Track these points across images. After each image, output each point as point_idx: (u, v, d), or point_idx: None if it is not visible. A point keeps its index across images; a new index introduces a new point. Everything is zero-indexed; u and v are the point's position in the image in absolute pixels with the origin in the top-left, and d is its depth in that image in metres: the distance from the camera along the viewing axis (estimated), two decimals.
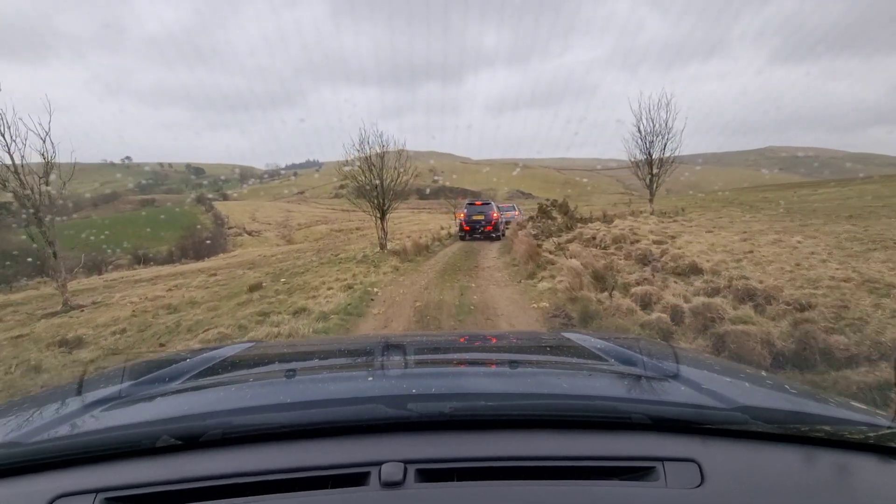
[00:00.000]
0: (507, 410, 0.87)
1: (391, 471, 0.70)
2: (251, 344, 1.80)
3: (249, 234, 64.53)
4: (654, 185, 20.68)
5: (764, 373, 1.54)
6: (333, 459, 0.75)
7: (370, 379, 1.09)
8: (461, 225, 17.48)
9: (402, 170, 16.00)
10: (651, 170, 20.87)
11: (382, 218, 15.76)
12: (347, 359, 1.53)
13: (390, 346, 1.57)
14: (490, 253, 13.87)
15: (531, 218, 20.01)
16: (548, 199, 22.46)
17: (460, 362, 1.39)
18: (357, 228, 59.89)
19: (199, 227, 70.32)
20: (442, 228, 26.15)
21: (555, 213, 20.07)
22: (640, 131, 20.95)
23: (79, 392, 1.04)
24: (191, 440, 0.79)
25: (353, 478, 0.71)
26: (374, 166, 15.72)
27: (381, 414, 0.83)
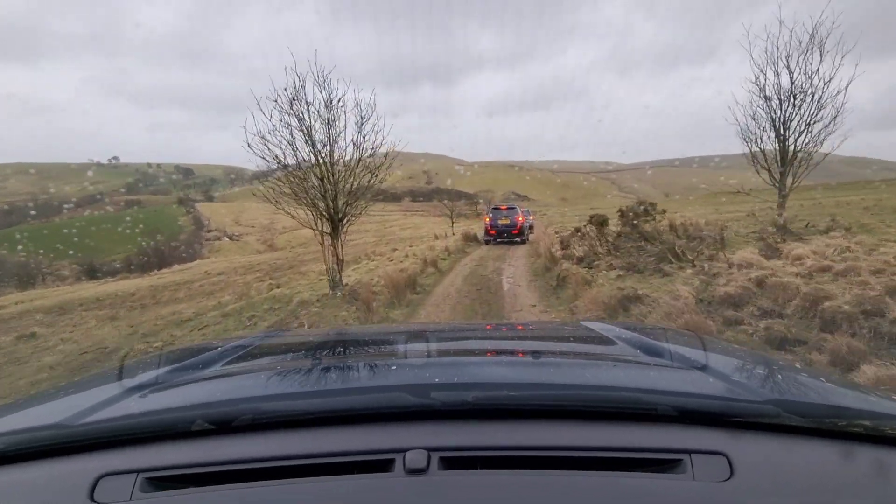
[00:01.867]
0: (530, 400, 0.86)
1: (415, 458, 0.70)
2: (280, 333, 2.06)
3: (230, 238, 60.41)
4: (791, 181, 10.89)
5: (798, 364, 1.51)
6: (359, 446, 0.76)
7: (394, 368, 1.11)
8: (486, 229, 17.38)
9: (372, 151, 8.99)
10: (786, 156, 10.77)
11: (335, 234, 8.69)
12: (372, 348, 1.53)
13: (414, 336, 1.63)
14: (527, 294, 7.69)
15: (578, 232, 12.14)
16: (630, 207, 11.59)
17: (483, 352, 1.39)
18: (344, 233, 56.11)
19: (177, 230, 66.17)
20: (437, 238, 22.31)
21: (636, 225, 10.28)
22: (763, 93, 10.97)
23: (119, 378, 1.07)
24: (223, 425, 0.81)
25: (378, 464, 0.72)
26: (313, 140, 8.48)
27: (404, 402, 0.83)
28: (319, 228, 8.71)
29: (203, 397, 0.93)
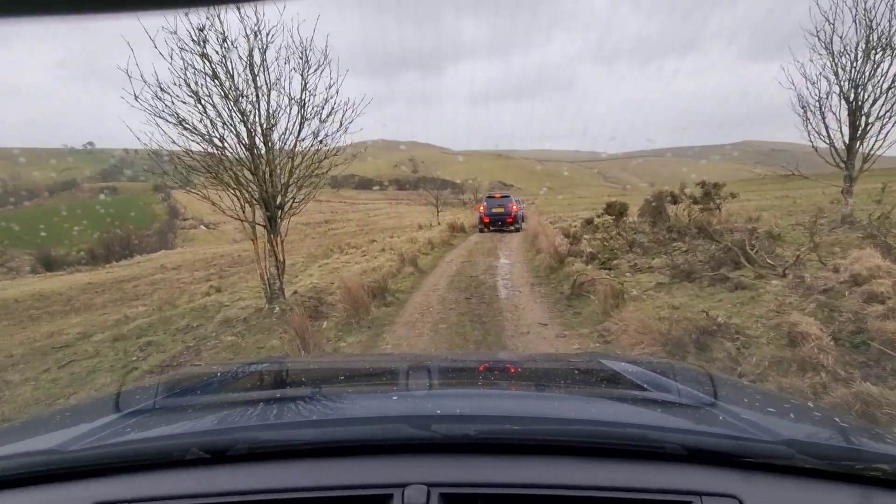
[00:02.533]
0: (535, 435, 0.83)
1: (414, 494, 0.68)
2: (279, 360, 1.94)
3: (207, 226, 57.53)
4: (860, 164, 8.78)
5: (811, 403, 1.43)
6: (357, 479, 0.74)
7: (395, 398, 1.08)
8: (481, 217, 17.30)
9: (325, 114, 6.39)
10: (857, 129, 8.63)
11: (272, 227, 6.46)
12: (373, 377, 1.50)
13: (416, 366, 1.56)
14: (532, 306, 5.81)
15: (589, 224, 10.79)
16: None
17: (487, 384, 1.36)
18: (326, 222, 53.96)
19: (150, 218, 63.11)
20: (420, 228, 20.69)
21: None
22: (831, 53, 8.68)
23: (116, 403, 1.03)
24: (219, 454, 0.79)
25: (376, 499, 0.70)
26: (232, 93, 5.87)
27: (404, 434, 0.81)
28: (249, 219, 6.24)
29: (199, 425, 0.93)
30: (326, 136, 6.51)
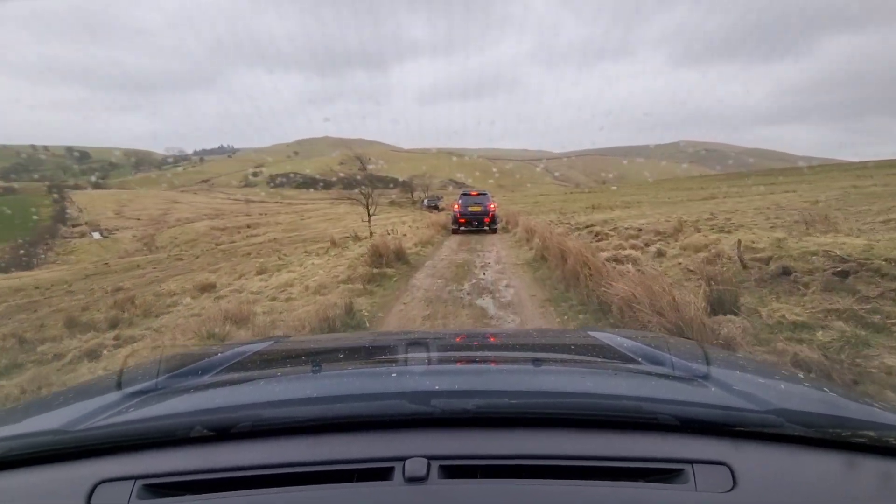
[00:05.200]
0: (531, 408, 0.85)
1: (415, 466, 0.69)
2: (279, 339, 1.86)
3: (102, 233, 47.95)
4: None
5: (801, 374, 1.46)
6: (358, 454, 0.75)
7: (394, 375, 1.09)
8: (455, 217, 15.82)
9: None
10: None
11: None
12: (372, 355, 1.50)
13: (414, 343, 1.58)
14: None
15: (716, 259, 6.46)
16: None
17: (484, 359, 1.37)
18: (248, 226, 46.47)
19: (30, 224, 52.47)
20: (357, 239, 14.47)
21: None
22: None
23: (118, 383, 1.04)
24: (222, 431, 0.80)
25: (378, 472, 0.71)
26: None
27: (404, 410, 0.82)
28: None
29: (202, 403, 0.93)
30: None
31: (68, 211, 60.48)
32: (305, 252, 13.42)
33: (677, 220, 10.48)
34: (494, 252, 9.83)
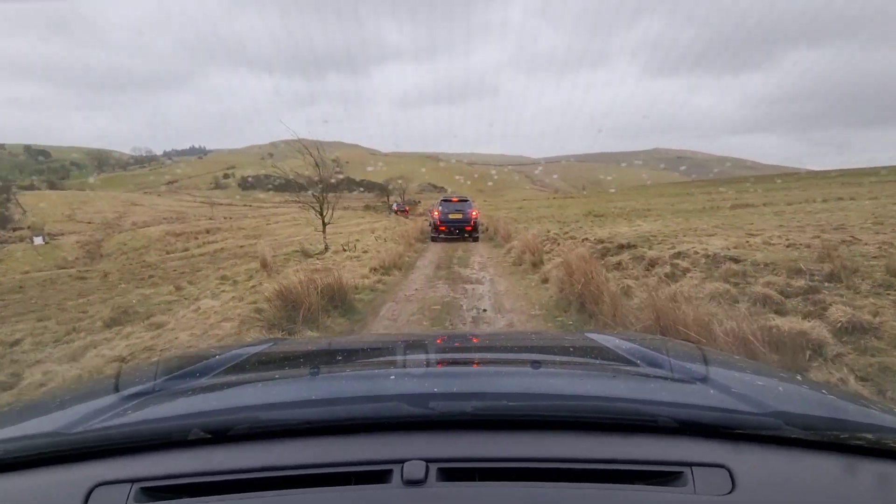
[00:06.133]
0: (530, 411, 0.85)
1: (413, 469, 0.68)
2: (277, 341, 1.83)
3: (45, 238, 43.37)
4: None
5: (800, 376, 1.43)
6: (356, 456, 0.74)
7: (392, 377, 1.08)
8: (435, 224, 14.86)
9: None
10: None
11: None
12: (370, 357, 1.51)
13: (412, 345, 1.57)
14: None
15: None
16: None
17: (482, 362, 1.36)
18: (207, 231, 42.74)
19: None
20: (297, 252, 11.47)
21: None
22: None
23: (115, 385, 1.03)
24: (220, 434, 0.79)
25: (376, 475, 0.70)
26: None
27: (402, 412, 0.82)
28: None
29: (200, 406, 0.93)
30: None
31: (10, 213, 55.19)
32: (222, 278, 9.89)
33: (820, 242, 6.28)
34: (488, 282, 6.98)
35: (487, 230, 16.68)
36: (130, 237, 43.06)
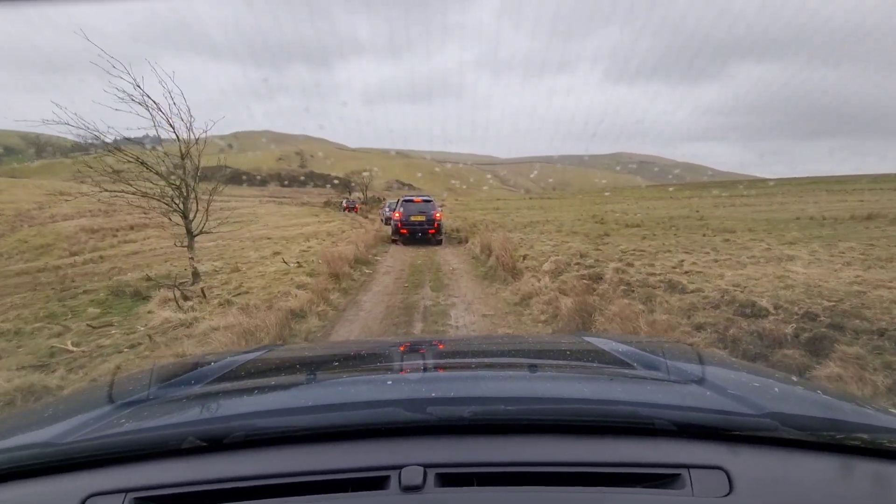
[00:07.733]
0: (528, 415, 0.84)
1: (411, 475, 0.68)
2: (272, 347, 1.83)
3: None
4: None
5: (795, 377, 1.43)
6: (354, 463, 0.74)
7: (389, 382, 1.07)
8: (397, 227, 14.12)
9: None
10: None
11: None
12: (366, 362, 1.48)
13: (409, 350, 1.56)
14: None
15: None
16: None
17: (480, 366, 1.35)
18: (131, 228, 36.69)
19: None
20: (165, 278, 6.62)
21: None
22: None
23: (109, 394, 1.02)
24: (215, 442, 0.78)
25: (374, 481, 0.70)
26: None
27: (400, 417, 0.81)
28: None
29: (195, 414, 0.91)
30: None
31: None
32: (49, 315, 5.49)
33: None
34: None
35: (465, 241, 12.70)
36: (36, 233, 36.11)
